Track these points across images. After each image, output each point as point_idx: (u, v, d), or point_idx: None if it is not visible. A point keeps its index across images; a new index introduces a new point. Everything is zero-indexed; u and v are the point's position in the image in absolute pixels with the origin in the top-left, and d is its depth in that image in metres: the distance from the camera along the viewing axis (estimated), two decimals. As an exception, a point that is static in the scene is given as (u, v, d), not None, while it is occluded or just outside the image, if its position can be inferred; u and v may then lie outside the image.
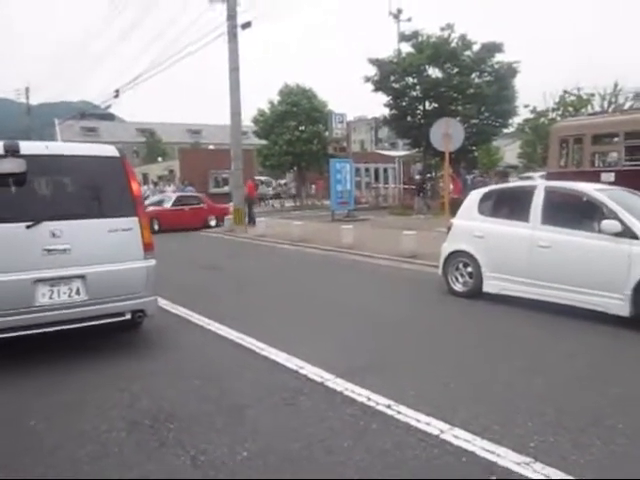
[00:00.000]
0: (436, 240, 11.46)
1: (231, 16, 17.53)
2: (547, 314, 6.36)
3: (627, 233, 5.81)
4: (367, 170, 32.20)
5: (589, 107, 29.73)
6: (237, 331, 5.82)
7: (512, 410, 3.80)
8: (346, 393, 4.12)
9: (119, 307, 5.08)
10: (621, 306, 5.79)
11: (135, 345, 5.53)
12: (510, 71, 23.12)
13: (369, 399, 3.98)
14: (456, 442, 3.31)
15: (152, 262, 5.30)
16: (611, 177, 15.20)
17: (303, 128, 30.41)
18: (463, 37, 23.28)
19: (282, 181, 42.61)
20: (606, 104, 29.56)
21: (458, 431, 3.44)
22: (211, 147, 50.51)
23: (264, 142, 32.37)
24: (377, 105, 63.34)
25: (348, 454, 3.20)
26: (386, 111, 25.98)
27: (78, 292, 4.86)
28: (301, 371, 4.60)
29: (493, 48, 22.99)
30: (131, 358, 5.06)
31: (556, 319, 6.19)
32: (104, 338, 5.55)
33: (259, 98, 34.12)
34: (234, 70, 17.81)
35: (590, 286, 6.02)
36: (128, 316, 5.16)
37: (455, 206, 16.47)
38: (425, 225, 12.66)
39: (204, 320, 6.36)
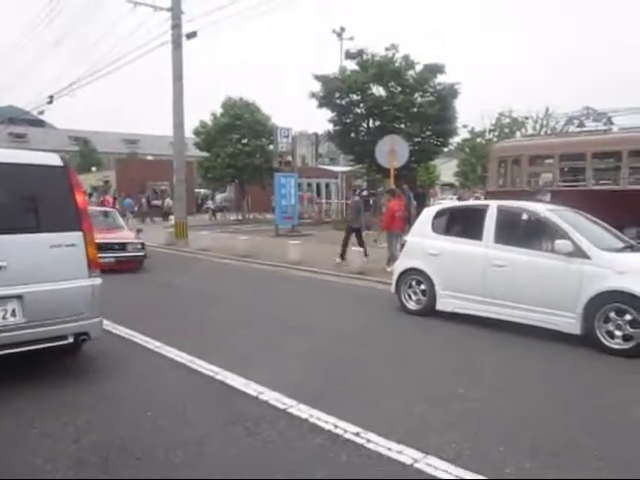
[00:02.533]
0: (383, 256, 11.54)
1: (176, 25, 17.11)
2: (501, 332, 6.41)
3: (578, 253, 5.95)
4: (309, 185, 32.29)
5: (523, 129, 31.16)
6: (187, 354, 5.49)
7: (483, 434, 3.72)
8: (312, 420, 3.91)
9: (61, 330, 4.66)
10: (573, 324, 5.91)
11: (76, 371, 5.09)
12: (451, 92, 23.82)
13: (336, 426, 3.80)
14: (432, 471, 3.19)
15: (98, 280, 4.92)
16: (547, 197, 15.87)
17: (246, 141, 30.07)
18: (406, 57, 23.80)
19: (223, 195, 41.94)
20: (538, 127, 31.08)
21: (432, 459, 3.32)
22: (149, 158, 49.19)
23: (205, 154, 31.78)
24: (320, 121, 63.83)
25: (323, 489, 3.00)
26: (330, 127, 26.13)
27: (14, 314, 4.42)
28: (261, 397, 4.36)
29: (435, 69, 23.63)
30: (74, 386, 4.63)
31: (511, 337, 6.25)
32: (42, 363, 5.09)
33: (201, 110, 33.58)
34: (178, 80, 17.36)
35: (543, 305, 6.12)
36: (71, 339, 4.75)
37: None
38: (370, 241, 12.65)
39: (151, 342, 5.97)
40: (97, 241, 8.96)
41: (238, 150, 29.49)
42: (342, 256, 12.16)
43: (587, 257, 5.90)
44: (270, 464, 3.30)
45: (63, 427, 3.79)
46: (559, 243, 6.04)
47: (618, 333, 5.61)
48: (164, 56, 17.69)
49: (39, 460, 3.31)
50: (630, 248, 6.49)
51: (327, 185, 32.23)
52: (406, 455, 3.38)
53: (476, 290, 6.78)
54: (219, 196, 41.27)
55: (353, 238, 12.48)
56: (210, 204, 37.61)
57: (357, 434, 3.67)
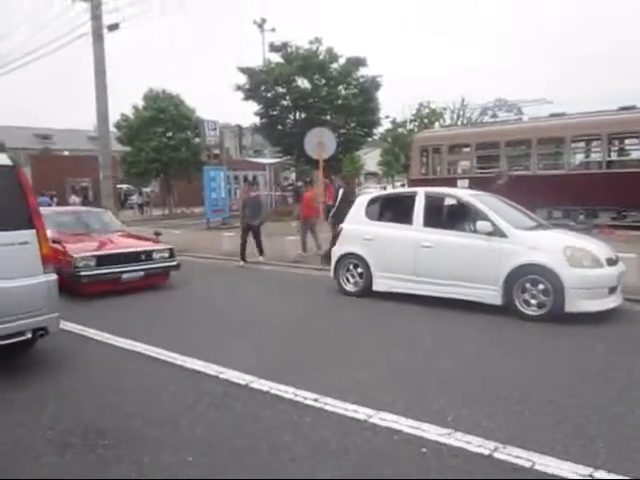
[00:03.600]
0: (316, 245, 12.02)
1: (96, 16, 16.65)
2: (432, 307, 7.05)
3: (497, 232, 6.67)
4: (236, 178, 32.30)
5: (441, 120, 32.69)
6: (143, 343, 5.70)
7: (425, 391, 4.25)
8: (272, 392, 4.29)
9: (18, 326, 4.75)
10: (495, 296, 6.63)
11: (34, 365, 5.18)
12: (374, 84, 24.68)
13: (296, 395, 4.20)
14: (384, 424, 3.66)
15: (53, 276, 5.03)
16: (465, 183, 17.00)
17: (171, 135, 29.65)
18: (330, 50, 24.40)
19: (147, 189, 40.97)
20: (455, 117, 32.72)
21: (384, 414, 3.80)
22: (66, 153, 47.05)
23: (127, 149, 31.00)
24: (247, 113, 63.45)
25: (291, 446, 3.40)
26: (257, 119, 26.32)
27: (-31, 313, 4.48)
28: (222, 376, 4.68)
29: (358, 62, 24.39)
30: (33, 380, 4.75)
31: (441, 311, 6.90)
32: (-4, 361, 5.14)
33: (123, 103, 32.65)
34: (100, 73, 16.92)
35: (468, 280, 6.80)
36: (29, 335, 4.85)
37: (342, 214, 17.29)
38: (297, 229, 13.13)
39: (102, 335, 6.11)
40: (115, 251, 8.72)
41: (163, 144, 29.04)
42: (243, 258, 11.56)
43: (505, 236, 6.62)
44: (241, 430, 3.66)
45: (34, 418, 3.95)
46: (480, 224, 6.74)
47: (533, 301, 6.38)
48: (77, 49, 17.15)
49: (23, 444, 3.50)
50: (541, 226, 7.32)
51: (254, 177, 32.36)
52: (361, 413, 3.84)
53: (408, 270, 7.38)
54: (145, 190, 40.24)
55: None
56: (135, 199, 36.69)
57: (315, 400, 4.10)
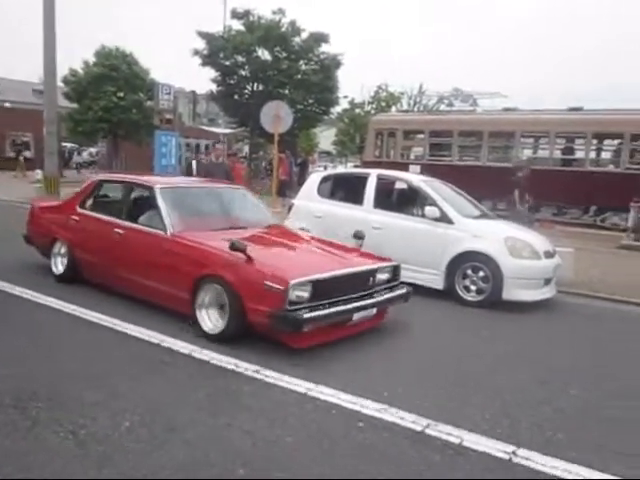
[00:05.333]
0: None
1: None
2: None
3: (444, 219, 6.84)
4: (188, 145, 31.53)
5: (399, 104, 32.93)
6: (70, 303, 5.56)
7: (363, 367, 4.36)
8: (213, 362, 4.30)
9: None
10: (437, 280, 6.83)
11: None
12: (334, 62, 24.50)
13: (237, 366, 4.22)
14: (323, 397, 3.75)
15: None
16: (417, 169, 17.25)
17: (122, 95, 28.48)
18: (293, 23, 24.01)
19: (93, 150, 39.41)
20: (412, 103, 33.03)
21: (323, 388, 3.88)
22: (7, 105, 44.51)
23: (74, 106, 29.60)
24: (202, 81, 61.81)
25: (232, 416, 3.42)
26: (214, 87, 25.71)
27: None
28: (163, 344, 4.64)
29: (320, 38, 24.11)
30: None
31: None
32: None
33: (73, 57, 31.04)
34: (49, 23, 16.05)
35: (414, 263, 6.94)
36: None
37: (284, 188, 17.20)
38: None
39: (29, 292, 5.92)
40: (340, 272, 4.84)
41: (113, 104, 27.85)
42: None
43: (451, 222, 6.80)
44: (181, 398, 3.66)
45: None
46: (429, 209, 6.89)
47: (473, 287, 6.62)
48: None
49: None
50: (485, 216, 7.56)
51: (207, 146, 31.70)
52: (301, 386, 3.91)
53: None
54: (90, 150, 38.71)
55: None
56: (76, 158, 35.28)
57: (257, 371, 4.14)
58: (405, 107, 31.60)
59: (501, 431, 3.41)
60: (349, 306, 4.77)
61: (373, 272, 5.21)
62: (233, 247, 4.63)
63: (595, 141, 16.70)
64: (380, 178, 7.62)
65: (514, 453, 3.16)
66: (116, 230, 5.81)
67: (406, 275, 6.97)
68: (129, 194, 6.24)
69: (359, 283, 5.03)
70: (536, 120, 16.92)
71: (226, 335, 4.69)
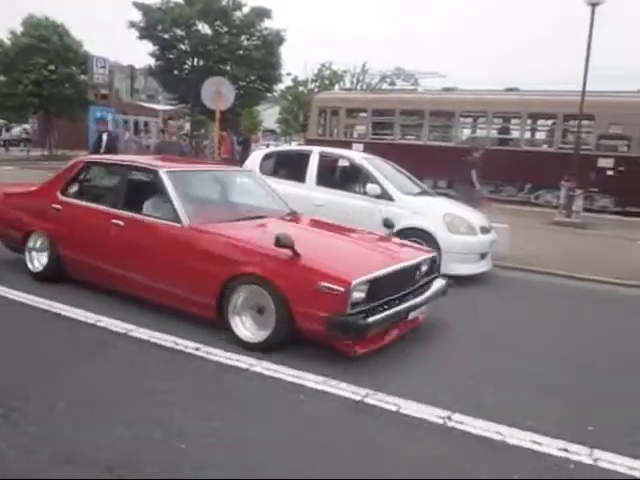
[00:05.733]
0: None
1: None
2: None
3: (385, 196, 6.95)
4: (126, 122, 30.46)
5: (342, 82, 32.92)
6: (18, 290, 5.31)
7: (302, 345, 4.38)
8: (153, 341, 4.23)
9: None
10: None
11: None
12: (277, 38, 24.18)
13: (177, 344, 4.18)
14: (267, 372, 3.77)
15: None
16: (360, 148, 17.38)
17: (53, 68, 27.07)
18: (222, -4, 23.45)
19: (28, 126, 37.39)
20: (355, 81, 33.11)
21: (266, 363, 3.90)
22: None
23: (1, 78, 27.93)
24: (141, 55, 59.41)
25: (175, 394, 3.39)
26: (152, 61, 24.86)
27: None
28: (99, 324, 4.52)
29: (262, 13, 23.70)
30: None
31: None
32: None
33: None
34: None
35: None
36: None
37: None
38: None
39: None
40: (394, 267, 4.28)
41: (44, 77, 26.46)
42: None
43: (392, 199, 6.92)
44: (121, 376, 3.60)
45: None
46: (370, 187, 6.97)
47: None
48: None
49: None
50: (425, 193, 7.73)
51: (146, 123, 30.76)
52: (243, 362, 3.91)
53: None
54: (25, 126, 36.68)
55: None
56: (6, 135, 33.43)
57: (197, 349, 4.10)
58: (348, 85, 31.73)
59: (436, 398, 3.53)
60: (405, 305, 4.26)
61: (420, 265, 4.71)
62: (279, 242, 3.93)
63: (530, 121, 17.31)
64: (322, 155, 7.63)
65: (449, 418, 3.30)
66: (114, 222, 4.94)
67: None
68: (125, 179, 5.26)
69: (408, 278, 4.52)
70: (475, 100, 17.35)
71: (271, 343, 4.06)
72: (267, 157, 8.18)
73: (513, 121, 17.56)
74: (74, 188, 5.67)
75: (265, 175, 7.93)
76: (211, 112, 16.68)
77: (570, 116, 15.55)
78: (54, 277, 5.51)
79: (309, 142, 19.28)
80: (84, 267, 5.30)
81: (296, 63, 56.69)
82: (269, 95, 29.19)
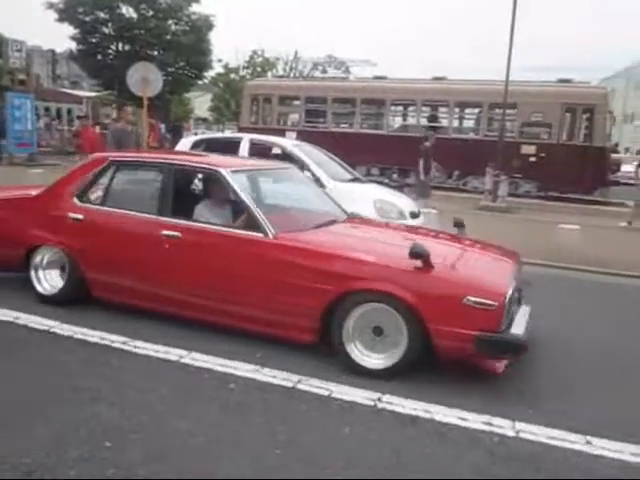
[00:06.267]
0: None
1: None
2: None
3: (317, 183, 6.93)
4: (47, 109, 28.95)
5: (274, 70, 32.63)
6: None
7: (231, 335, 4.30)
8: (77, 337, 4.05)
9: None
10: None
11: None
12: (206, 24, 23.59)
13: (103, 339, 4.02)
14: (196, 363, 3.70)
15: None
16: (293, 136, 17.33)
17: (-37, 51, 25.24)
18: (159, -21, 22.68)
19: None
20: (288, 69, 32.90)
21: (195, 354, 3.82)
22: None
23: None
24: (62, 39, 56.35)
25: (99, 390, 3.26)
26: (74, 45, 23.66)
27: None
28: (18, 321, 4.28)
29: (190, -3, 23.06)
30: None
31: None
32: None
33: None
34: None
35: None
36: None
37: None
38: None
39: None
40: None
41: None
42: None
43: (324, 186, 6.92)
44: (44, 375, 3.44)
45: None
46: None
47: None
48: None
49: None
50: (356, 180, 7.81)
51: (69, 111, 29.35)
52: (173, 354, 3.82)
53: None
54: None
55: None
56: None
57: (124, 343, 3.97)
58: (281, 73, 31.50)
59: (365, 383, 3.59)
60: (526, 315, 3.89)
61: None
62: (415, 253, 3.50)
63: (457, 110, 17.82)
64: (253, 143, 7.54)
65: (379, 399, 3.36)
66: (167, 233, 4.15)
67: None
68: (171, 181, 4.39)
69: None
70: (404, 88, 17.66)
71: (399, 369, 3.62)
72: (196, 145, 7.98)
73: (441, 109, 18.03)
74: (97, 192, 4.68)
75: (195, 163, 7.78)
76: (139, 99, 16.08)
77: (495, 105, 16.12)
78: (72, 299, 4.63)
79: (242, 130, 18.98)
80: (122, 290, 4.42)
81: (227, 50, 55.58)
82: (200, 82, 28.53)
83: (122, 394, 3.24)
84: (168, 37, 22.75)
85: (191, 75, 24.90)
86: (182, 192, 4.61)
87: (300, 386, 3.48)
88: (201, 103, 49.80)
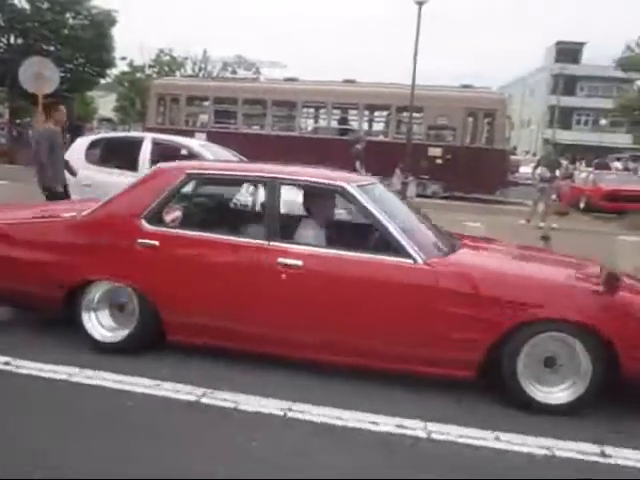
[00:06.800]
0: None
1: None
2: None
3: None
4: None
5: (183, 69, 31.73)
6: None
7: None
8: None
9: None
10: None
11: None
12: (108, 19, 22.43)
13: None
14: (88, 381, 3.37)
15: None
16: (203, 137, 16.85)
17: None
18: (54, -31, 21.29)
19: None
20: (197, 69, 32.11)
21: (88, 372, 3.48)
22: None
23: None
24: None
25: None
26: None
27: None
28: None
29: (89, -10, 21.84)
30: None
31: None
32: None
33: None
34: None
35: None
36: None
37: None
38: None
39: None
40: None
41: None
42: None
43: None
44: None
45: None
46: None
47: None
48: None
49: None
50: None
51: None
52: (61, 372, 3.46)
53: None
54: None
55: None
56: None
57: (7, 363, 3.55)
58: (190, 72, 30.65)
59: (272, 392, 3.42)
60: None
61: None
62: (610, 280, 3.31)
63: (367, 112, 18.11)
64: (155, 143, 7.17)
65: (289, 409, 3.20)
66: (283, 261, 3.48)
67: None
68: (277, 199, 3.72)
69: None
70: (315, 91, 17.69)
71: (588, 400, 3.31)
72: (94, 145, 7.49)
73: (351, 112, 18.25)
74: (173, 213, 3.91)
75: (92, 164, 7.30)
76: (32, 96, 14.96)
77: (402, 108, 16.54)
78: (140, 345, 3.81)
79: (148, 131, 18.24)
80: (209, 331, 3.69)
81: (132, 47, 53.16)
82: (103, 81, 27.12)
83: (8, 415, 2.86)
84: (65, 31, 21.38)
85: (92, 73, 23.57)
86: (292, 212, 4.06)
87: (204, 400, 3.25)
88: (106, 103, 47.49)
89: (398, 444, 2.91)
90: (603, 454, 2.92)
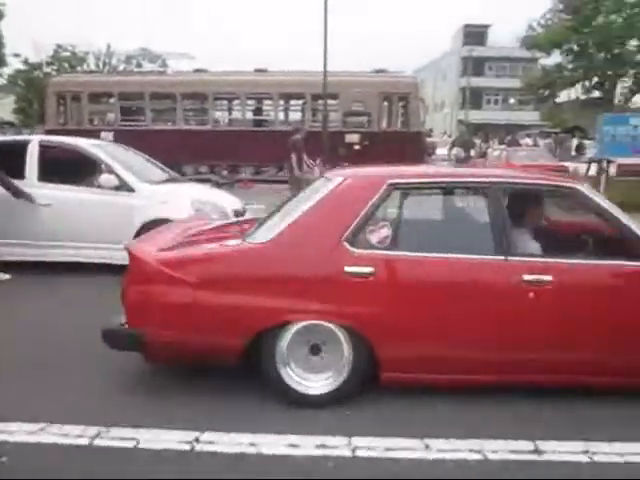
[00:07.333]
0: None
1: None
2: (56, 276, 6.13)
3: (124, 187, 6.14)
4: None
5: (85, 65, 29.90)
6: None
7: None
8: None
9: None
10: (125, 256, 6.13)
11: None
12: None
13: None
14: None
15: None
16: (110, 136, 15.85)
17: None
18: None
19: None
20: (101, 64, 30.36)
21: None
22: None
23: None
24: None
25: None
26: None
27: None
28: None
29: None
30: None
31: (66, 278, 6.04)
32: None
33: None
34: None
35: (97, 240, 6.10)
36: None
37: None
38: None
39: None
40: None
41: None
42: None
43: (132, 190, 6.14)
44: None
45: None
46: (104, 178, 6.09)
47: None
48: None
49: None
50: (172, 180, 7.10)
51: None
52: None
53: (24, 234, 6.23)
54: None
55: None
56: None
57: None
58: (93, 68, 28.89)
59: (179, 421, 3.04)
60: None
61: None
62: None
63: (282, 102, 17.72)
64: (43, 145, 6.44)
65: (196, 440, 2.83)
66: (529, 279, 3.08)
67: (90, 254, 6.21)
68: (502, 208, 3.28)
69: None
70: (226, 82, 17.08)
71: None
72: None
73: (266, 102, 17.81)
74: (379, 232, 3.24)
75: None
76: None
77: (317, 96, 16.26)
78: (349, 393, 3.22)
79: (49, 133, 16.95)
80: (446, 364, 3.20)
81: (25, 43, 49.27)
82: (-4, 81, 25.06)
83: None
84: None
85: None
86: (524, 220, 3.63)
87: (98, 441, 2.81)
88: (4, 105, 44.24)
89: (322, 470, 2.62)
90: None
